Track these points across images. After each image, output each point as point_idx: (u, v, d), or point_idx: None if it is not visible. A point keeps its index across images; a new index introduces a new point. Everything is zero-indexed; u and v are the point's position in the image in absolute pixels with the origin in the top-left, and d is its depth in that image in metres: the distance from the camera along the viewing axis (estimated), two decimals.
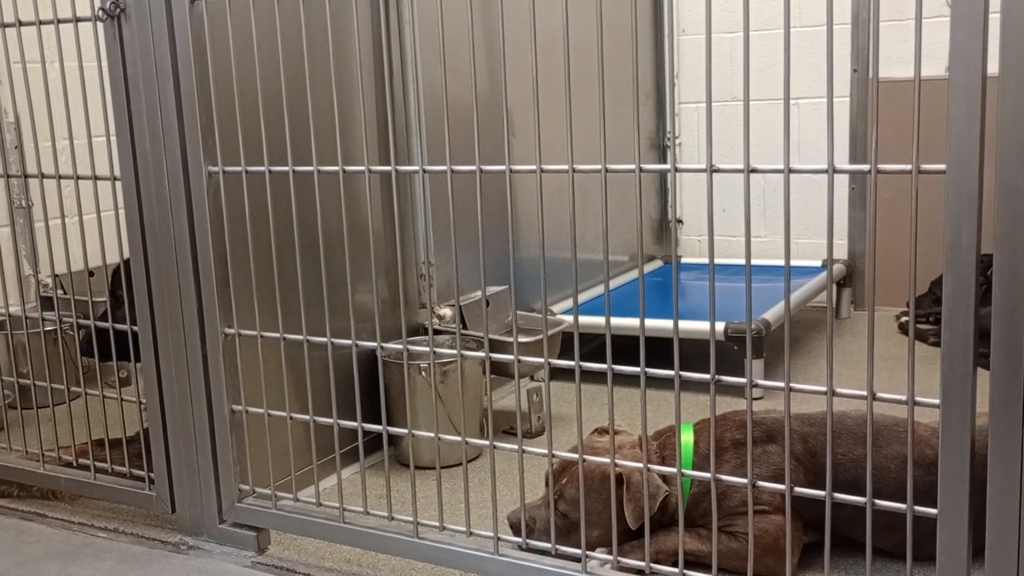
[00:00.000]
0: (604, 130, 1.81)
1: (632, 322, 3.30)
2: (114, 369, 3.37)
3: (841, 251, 4.71)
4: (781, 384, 1.78)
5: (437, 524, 2.20)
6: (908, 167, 1.56)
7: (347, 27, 2.69)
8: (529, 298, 3.75)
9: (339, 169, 2.12)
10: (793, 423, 2.29)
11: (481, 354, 2.14)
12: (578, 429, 2.03)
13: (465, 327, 3.22)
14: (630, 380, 1.93)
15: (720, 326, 3.47)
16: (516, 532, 2.28)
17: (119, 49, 2.32)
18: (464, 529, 2.17)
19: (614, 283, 4.33)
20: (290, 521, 2.37)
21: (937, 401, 1.62)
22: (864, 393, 1.69)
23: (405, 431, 2.24)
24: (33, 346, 3.06)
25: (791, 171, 1.68)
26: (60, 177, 2.54)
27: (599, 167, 1.84)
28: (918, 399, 1.64)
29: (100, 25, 2.33)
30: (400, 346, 2.19)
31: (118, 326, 2.54)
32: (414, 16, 3.12)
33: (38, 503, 2.79)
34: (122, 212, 2.40)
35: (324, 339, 2.23)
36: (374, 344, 2.21)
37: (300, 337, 2.26)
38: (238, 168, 2.25)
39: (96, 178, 2.45)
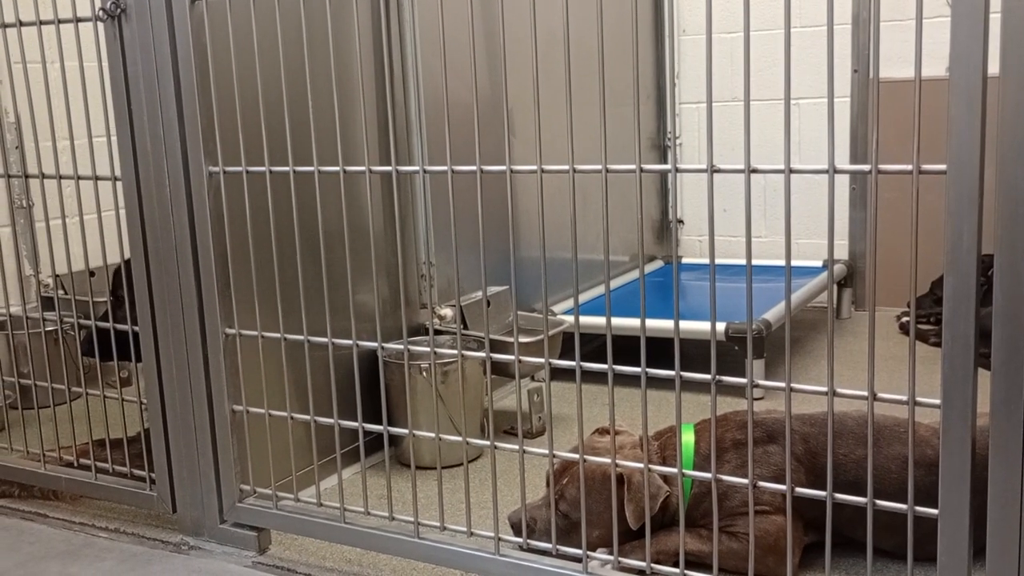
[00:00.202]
0: (605, 130, 1.81)
1: (633, 322, 3.32)
2: (115, 369, 3.37)
3: (842, 251, 4.71)
4: (782, 384, 1.78)
5: (438, 524, 2.20)
6: (909, 167, 1.56)
7: (348, 27, 2.69)
8: (530, 298, 3.76)
9: (340, 169, 2.12)
10: (794, 423, 2.29)
11: (482, 354, 2.14)
12: (579, 429, 2.03)
13: (466, 327, 3.22)
14: (631, 380, 1.93)
15: (721, 326, 3.47)
16: (517, 532, 2.28)
17: (119, 49, 2.32)
18: (465, 529, 2.17)
19: (615, 283, 4.33)
20: (291, 521, 2.37)
21: (938, 401, 1.62)
22: (865, 393, 1.69)
23: (406, 431, 2.24)
24: (34, 346, 3.06)
25: (792, 171, 1.68)
26: (61, 177, 2.54)
27: (600, 167, 1.84)
28: (919, 399, 1.64)
29: (100, 25, 2.33)
30: (401, 346, 2.19)
31: (119, 326, 2.54)
32: (414, 16, 3.11)
33: (39, 503, 2.79)
34: (123, 212, 2.40)
35: (325, 339, 2.23)
36: (375, 344, 2.21)
37: (301, 337, 2.26)
38: (239, 168, 2.25)
39: (97, 178, 2.45)
